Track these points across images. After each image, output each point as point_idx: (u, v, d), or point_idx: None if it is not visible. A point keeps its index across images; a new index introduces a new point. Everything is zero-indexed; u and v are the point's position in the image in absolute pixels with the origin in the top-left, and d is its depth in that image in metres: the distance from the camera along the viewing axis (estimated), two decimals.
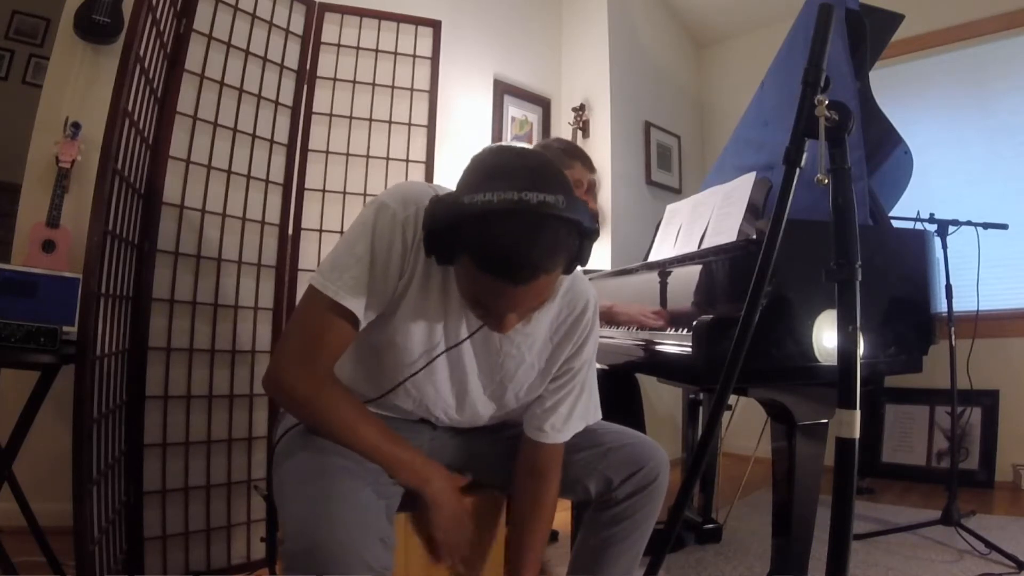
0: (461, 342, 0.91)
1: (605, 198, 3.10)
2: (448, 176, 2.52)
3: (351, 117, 2.05)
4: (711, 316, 1.31)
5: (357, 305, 0.82)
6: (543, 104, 3.23)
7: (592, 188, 3.25)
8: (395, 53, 2.12)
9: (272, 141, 1.89)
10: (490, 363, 0.95)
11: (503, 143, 0.69)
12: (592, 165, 1.85)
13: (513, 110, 3.06)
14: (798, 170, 0.81)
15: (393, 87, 2.11)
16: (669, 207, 2.04)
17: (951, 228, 2.07)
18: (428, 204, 0.77)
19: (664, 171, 3.50)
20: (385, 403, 0.95)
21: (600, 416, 1.06)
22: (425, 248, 0.77)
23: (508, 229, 0.70)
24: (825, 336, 1.27)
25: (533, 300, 0.77)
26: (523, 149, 0.81)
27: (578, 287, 0.97)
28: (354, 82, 2.06)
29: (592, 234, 0.77)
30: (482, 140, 2.87)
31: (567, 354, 0.98)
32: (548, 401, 0.99)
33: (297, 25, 1.97)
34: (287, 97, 1.93)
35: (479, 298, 0.78)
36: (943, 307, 1.96)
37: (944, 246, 2.04)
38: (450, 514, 0.90)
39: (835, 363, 0.80)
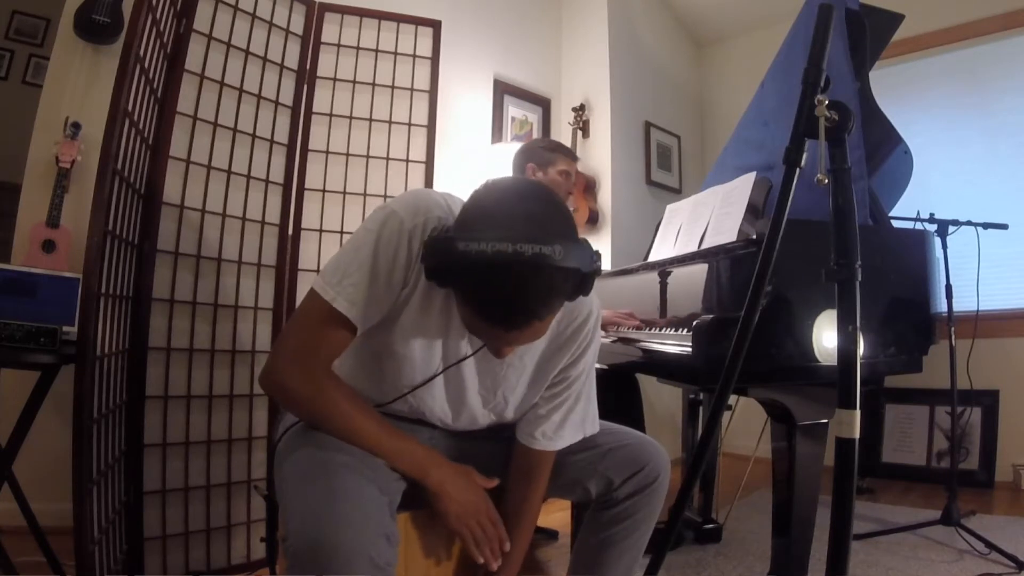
0: (462, 360, 0.91)
1: (605, 198, 3.10)
2: (448, 176, 2.52)
3: (351, 117, 2.05)
4: (711, 316, 1.31)
5: (354, 312, 0.82)
6: (543, 104, 3.23)
7: (591, 188, 3.27)
8: (395, 53, 2.12)
9: (272, 141, 1.89)
10: (492, 376, 0.95)
11: (506, 177, 0.69)
12: (574, 155, 1.96)
13: (513, 110, 3.06)
14: (798, 170, 0.81)
15: (393, 87, 2.11)
16: (669, 207, 2.04)
17: (951, 228, 2.07)
18: (427, 239, 0.77)
19: (664, 171, 3.50)
20: (381, 407, 0.95)
21: (597, 429, 1.05)
22: (426, 276, 0.78)
23: (501, 281, 0.70)
24: (825, 336, 1.27)
25: (527, 339, 0.78)
26: (527, 188, 0.79)
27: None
28: (354, 82, 2.06)
29: (592, 275, 0.76)
30: (482, 140, 2.87)
31: (564, 362, 0.98)
32: (542, 409, 0.99)
33: (297, 25, 1.97)
34: (287, 97, 1.93)
35: (475, 331, 0.80)
36: (943, 307, 1.96)
37: (944, 246, 2.04)
38: (460, 502, 0.88)
39: (835, 363, 0.80)
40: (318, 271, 0.95)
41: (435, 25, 2.18)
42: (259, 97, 1.85)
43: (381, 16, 2.11)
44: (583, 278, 0.75)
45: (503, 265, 0.69)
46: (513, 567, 0.98)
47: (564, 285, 0.73)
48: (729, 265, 1.42)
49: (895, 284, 1.51)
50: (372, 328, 0.87)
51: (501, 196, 0.77)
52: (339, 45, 2.05)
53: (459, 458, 1.03)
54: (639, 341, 1.65)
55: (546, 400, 1.00)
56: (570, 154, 1.89)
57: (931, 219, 2.07)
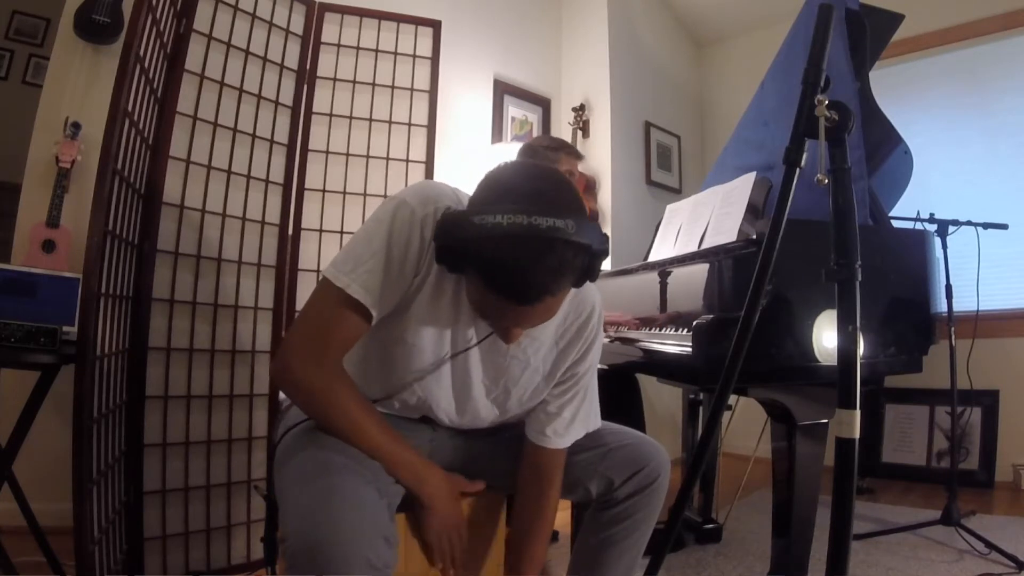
0: (469, 347, 0.92)
1: (605, 198, 3.10)
2: (448, 177, 2.52)
3: (351, 117, 2.05)
4: (711, 316, 1.31)
5: (369, 299, 0.82)
6: (543, 104, 3.23)
7: (592, 188, 3.26)
8: (395, 53, 2.12)
9: (272, 141, 1.89)
10: (496, 367, 0.96)
11: (518, 159, 0.70)
12: (578, 153, 1.94)
13: (513, 110, 3.06)
14: (798, 170, 0.81)
15: (393, 87, 2.11)
16: (669, 207, 2.04)
17: (951, 228, 2.07)
18: (440, 217, 0.78)
19: (664, 171, 3.50)
20: (389, 399, 0.95)
21: (599, 424, 1.06)
22: (436, 258, 0.78)
23: (516, 253, 0.71)
24: (825, 336, 1.27)
25: (539, 318, 0.79)
26: (538, 168, 0.81)
27: (584, 293, 0.97)
28: (354, 82, 2.06)
29: (602, 254, 0.78)
30: (482, 140, 2.87)
31: (572, 359, 0.99)
32: (551, 406, 1.00)
33: (297, 25, 1.96)
34: (287, 97, 1.93)
35: (485, 312, 0.80)
36: (943, 307, 1.96)
37: (944, 246, 2.04)
38: (444, 517, 0.90)
39: (835, 363, 0.80)
40: (318, 271, 0.95)
41: (435, 25, 2.18)
42: (259, 97, 1.85)
43: (381, 16, 2.11)
44: (592, 257, 0.76)
45: (518, 236, 0.70)
46: (534, 569, 0.99)
47: (576, 260, 0.74)
48: (729, 265, 1.42)
49: (895, 284, 1.51)
50: (383, 318, 0.87)
51: (514, 175, 0.78)
52: (339, 45, 2.04)
53: (462, 458, 1.03)
54: (639, 341, 1.65)
55: (555, 397, 1.00)
56: (574, 152, 1.88)
57: (931, 219, 2.07)
